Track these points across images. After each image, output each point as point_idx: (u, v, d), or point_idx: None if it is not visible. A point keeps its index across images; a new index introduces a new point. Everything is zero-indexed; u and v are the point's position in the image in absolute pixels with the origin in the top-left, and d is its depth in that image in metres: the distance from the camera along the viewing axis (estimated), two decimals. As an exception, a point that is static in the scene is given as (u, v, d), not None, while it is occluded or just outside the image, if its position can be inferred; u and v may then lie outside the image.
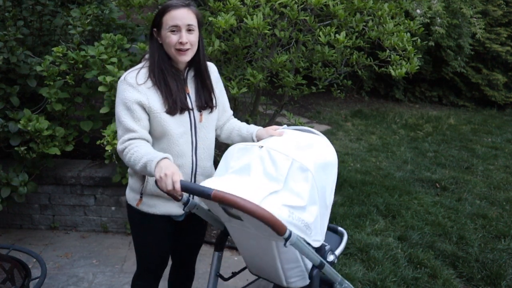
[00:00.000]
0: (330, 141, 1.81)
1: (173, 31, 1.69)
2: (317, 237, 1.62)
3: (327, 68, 3.64)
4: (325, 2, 2.92)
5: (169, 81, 1.74)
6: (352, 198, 3.95)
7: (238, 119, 2.11)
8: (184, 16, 1.69)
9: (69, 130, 3.23)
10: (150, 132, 1.76)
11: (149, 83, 1.74)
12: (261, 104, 4.12)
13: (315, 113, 7.09)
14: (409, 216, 3.66)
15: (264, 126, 3.93)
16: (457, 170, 4.90)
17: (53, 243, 3.26)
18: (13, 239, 3.29)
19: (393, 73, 3.20)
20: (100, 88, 3.02)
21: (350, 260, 3.00)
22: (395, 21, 3.33)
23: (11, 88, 3.08)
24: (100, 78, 2.97)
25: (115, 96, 2.95)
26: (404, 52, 3.27)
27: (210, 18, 2.95)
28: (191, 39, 1.71)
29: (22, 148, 2.94)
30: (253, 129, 1.94)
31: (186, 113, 1.78)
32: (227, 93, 2.05)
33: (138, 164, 1.61)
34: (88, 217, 3.41)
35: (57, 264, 2.99)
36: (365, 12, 3.20)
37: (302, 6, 2.97)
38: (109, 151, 2.98)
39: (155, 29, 1.75)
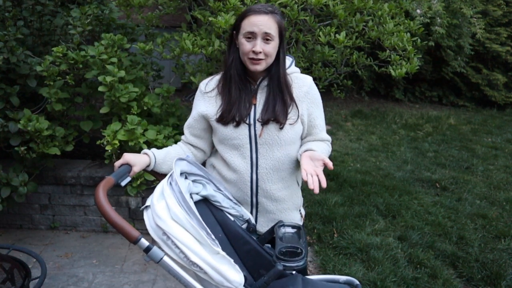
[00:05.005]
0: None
1: (249, 37, 1.58)
2: None
3: (327, 68, 3.64)
4: (325, 2, 2.92)
5: (232, 90, 1.66)
6: (352, 198, 3.95)
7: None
8: (263, 23, 1.55)
9: (69, 130, 3.23)
10: (213, 138, 1.78)
11: (215, 91, 1.71)
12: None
13: (315, 113, 7.08)
14: (409, 216, 3.66)
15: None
16: (457, 170, 4.90)
17: (53, 243, 3.26)
18: (13, 239, 3.29)
19: (393, 73, 3.20)
20: (100, 88, 3.02)
21: (350, 260, 3.00)
22: (395, 21, 3.33)
23: (11, 88, 3.08)
24: (100, 78, 2.97)
25: (115, 96, 2.99)
26: (404, 52, 3.28)
27: (210, 18, 2.96)
28: (266, 49, 1.58)
29: (22, 148, 2.94)
30: (302, 149, 1.71)
31: (246, 126, 1.65)
32: None
33: None
34: (88, 217, 3.41)
35: (57, 264, 2.99)
36: (365, 12, 3.20)
37: (302, 6, 2.97)
38: (109, 151, 2.98)
39: (234, 32, 1.65)
